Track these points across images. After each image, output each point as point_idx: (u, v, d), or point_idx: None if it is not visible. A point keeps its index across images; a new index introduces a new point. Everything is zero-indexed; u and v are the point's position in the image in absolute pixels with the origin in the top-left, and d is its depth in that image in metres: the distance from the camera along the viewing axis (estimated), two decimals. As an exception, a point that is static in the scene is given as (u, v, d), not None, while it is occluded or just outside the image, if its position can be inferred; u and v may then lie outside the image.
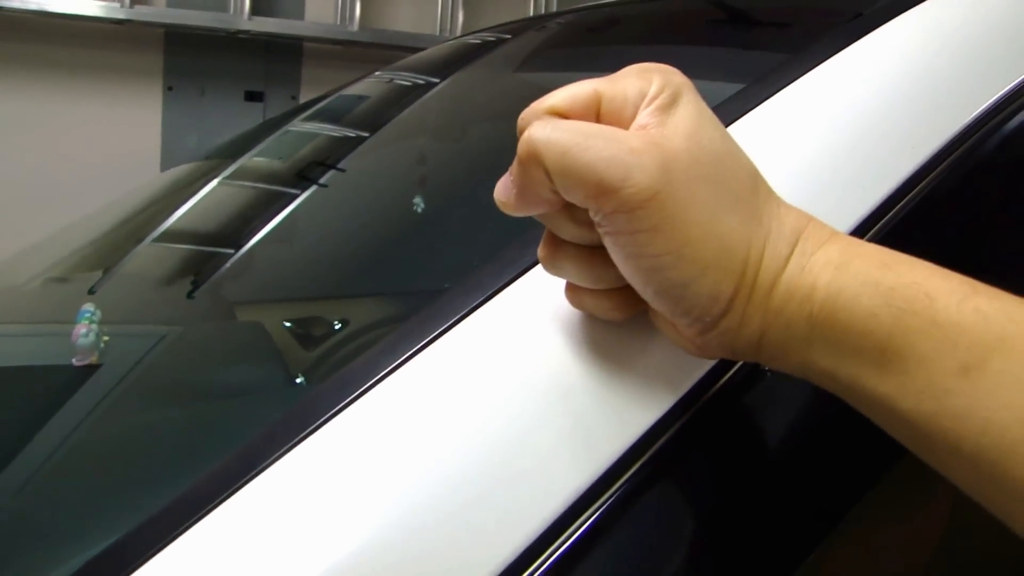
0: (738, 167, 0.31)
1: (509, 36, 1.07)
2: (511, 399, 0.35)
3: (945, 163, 0.44)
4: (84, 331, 0.66)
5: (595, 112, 0.32)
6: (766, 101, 0.46)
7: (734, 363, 0.37)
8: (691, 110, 0.31)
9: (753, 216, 0.31)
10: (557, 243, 0.34)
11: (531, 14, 2.81)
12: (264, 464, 0.34)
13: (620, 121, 0.32)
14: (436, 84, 0.99)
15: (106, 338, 0.66)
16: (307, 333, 0.66)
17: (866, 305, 0.29)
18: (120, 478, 0.52)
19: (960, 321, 0.28)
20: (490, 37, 1.09)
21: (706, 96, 0.33)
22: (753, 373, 0.38)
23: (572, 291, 0.36)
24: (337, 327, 0.64)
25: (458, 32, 2.72)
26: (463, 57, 1.07)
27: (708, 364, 0.37)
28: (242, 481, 0.33)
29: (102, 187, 2.02)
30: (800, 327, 0.30)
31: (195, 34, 2.45)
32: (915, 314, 0.28)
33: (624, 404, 0.35)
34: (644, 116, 0.31)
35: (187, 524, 0.33)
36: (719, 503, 0.37)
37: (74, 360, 0.64)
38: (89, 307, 0.71)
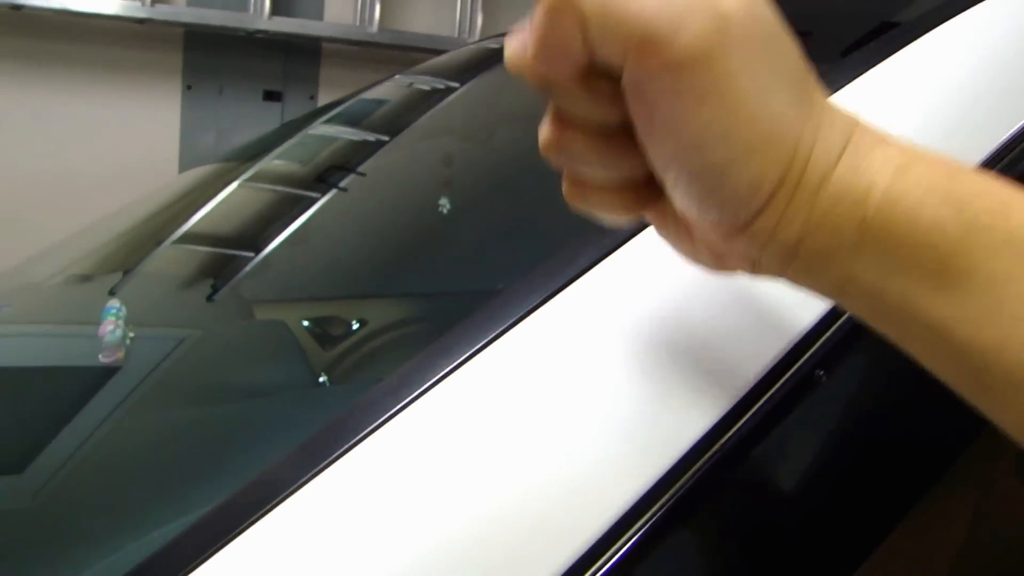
0: (792, 48, 0.28)
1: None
2: (567, 409, 0.35)
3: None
4: (111, 327, 0.67)
5: None
6: None
7: (778, 379, 0.37)
8: None
9: (806, 102, 0.27)
10: (565, 123, 0.29)
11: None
12: (318, 468, 0.34)
13: None
14: (456, 88, 0.99)
15: (132, 335, 0.66)
16: (330, 334, 0.66)
17: (931, 213, 0.26)
18: (150, 479, 0.52)
19: None
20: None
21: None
22: (802, 382, 0.37)
23: (574, 186, 0.31)
24: (359, 328, 0.65)
25: (476, 34, 2.73)
26: (483, 61, 1.07)
27: (761, 369, 0.36)
28: (296, 486, 0.34)
29: (121, 184, 2.04)
30: (849, 234, 0.27)
31: (215, 33, 2.46)
32: (987, 228, 0.25)
33: (675, 413, 0.35)
34: None
35: (237, 531, 0.33)
36: (770, 515, 0.37)
37: (101, 356, 0.64)
38: (115, 304, 0.72)
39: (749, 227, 0.28)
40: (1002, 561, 0.48)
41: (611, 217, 0.32)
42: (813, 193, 0.27)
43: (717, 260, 0.31)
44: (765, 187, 0.27)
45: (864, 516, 0.39)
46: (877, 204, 0.26)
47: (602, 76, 0.27)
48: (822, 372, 0.38)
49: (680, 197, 0.29)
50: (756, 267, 0.29)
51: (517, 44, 0.28)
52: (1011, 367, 0.25)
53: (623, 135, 0.28)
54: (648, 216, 0.32)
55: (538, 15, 0.27)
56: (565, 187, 0.32)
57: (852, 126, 0.28)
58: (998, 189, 0.26)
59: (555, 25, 0.26)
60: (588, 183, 0.31)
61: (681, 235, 0.31)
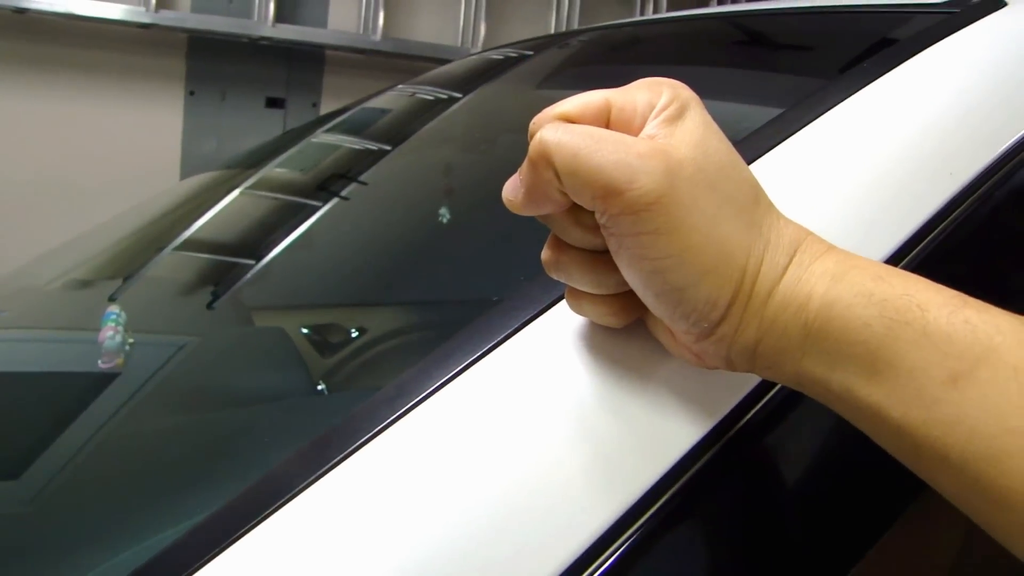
0: (741, 179, 0.32)
1: (531, 52, 1.07)
2: (554, 421, 0.35)
3: (982, 189, 0.45)
4: (111, 333, 0.67)
5: (605, 120, 0.33)
6: (801, 129, 0.46)
7: (772, 387, 0.38)
8: (697, 122, 0.32)
9: (753, 226, 0.32)
10: (561, 247, 0.35)
11: (552, 28, 2.82)
12: (314, 476, 0.34)
13: (629, 130, 0.33)
14: (458, 99, 0.99)
15: (131, 341, 0.66)
16: (329, 341, 0.66)
17: (859, 315, 0.30)
18: (148, 486, 0.52)
19: (950, 332, 0.29)
20: (512, 53, 1.10)
21: (728, 119, 0.33)
22: (787, 399, 0.38)
23: (573, 296, 0.36)
24: (358, 336, 0.65)
25: (480, 44, 2.73)
26: (485, 72, 1.08)
27: (752, 384, 0.37)
28: (293, 493, 0.34)
29: (123, 189, 2.04)
30: (795, 336, 0.31)
31: (218, 40, 2.47)
32: (906, 324, 0.29)
33: (661, 428, 0.36)
34: (652, 127, 0.32)
35: (235, 536, 0.33)
36: (754, 528, 0.38)
37: (100, 362, 0.64)
38: (115, 310, 0.72)
39: (713, 334, 0.32)
40: (1000, 564, 0.48)
41: (605, 322, 0.36)
42: (763, 303, 0.31)
43: (697, 358, 0.35)
44: (721, 301, 0.31)
45: (861, 515, 0.39)
46: (816, 309, 0.31)
47: (586, 211, 0.33)
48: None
49: (653, 309, 0.33)
50: (729, 364, 0.34)
51: (511, 187, 0.34)
52: (933, 443, 0.28)
53: (610, 258, 0.33)
54: (642, 318, 0.36)
55: (524, 166, 0.33)
56: (567, 296, 0.37)
57: (799, 241, 0.32)
58: (919, 288, 0.30)
59: (537, 175, 0.32)
60: (584, 295, 0.35)
61: (666, 337, 0.35)
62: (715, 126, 0.33)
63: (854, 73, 0.50)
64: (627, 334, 0.38)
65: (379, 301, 0.71)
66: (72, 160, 2.40)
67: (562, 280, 0.36)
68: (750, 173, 0.33)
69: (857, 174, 0.44)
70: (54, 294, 0.86)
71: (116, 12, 2.29)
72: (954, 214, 0.44)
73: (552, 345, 0.38)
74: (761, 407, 0.37)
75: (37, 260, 1.01)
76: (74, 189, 2.36)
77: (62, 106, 2.39)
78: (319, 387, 0.60)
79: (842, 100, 0.47)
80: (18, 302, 0.85)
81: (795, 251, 0.32)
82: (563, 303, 0.39)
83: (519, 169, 0.34)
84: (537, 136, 0.32)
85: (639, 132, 0.33)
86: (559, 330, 0.39)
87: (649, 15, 2.75)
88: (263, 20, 2.45)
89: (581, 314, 0.37)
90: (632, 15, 2.89)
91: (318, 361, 0.64)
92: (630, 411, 0.36)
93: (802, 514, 0.39)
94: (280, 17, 2.47)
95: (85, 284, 0.87)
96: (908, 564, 0.43)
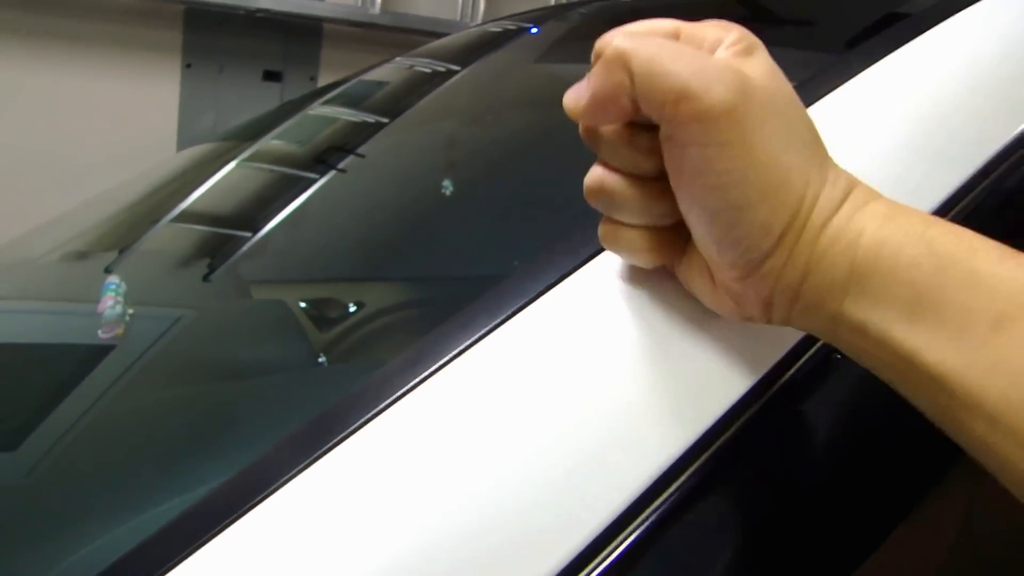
0: (805, 118, 0.33)
1: (531, 26, 1.06)
2: (576, 394, 0.35)
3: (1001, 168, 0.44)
4: (111, 303, 0.67)
5: None
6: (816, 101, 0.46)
7: (795, 361, 0.38)
8: (767, 58, 0.33)
9: (814, 161, 0.32)
10: (608, 171, 0.35)
11: (552, 2, 2.80)
12: (317, 454, 0.34)
13: None
14: (457, 72, 0.98)
15: (131, 311, 0.66)
16: (329, 315, 0.66)
17: (909, 253, 0.30)
18: (147, 458, 0.52)
19: (999, 274, 0.29)
20: (511, 26, 1.09)
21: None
22: (811, 373, 0.38)
23: (610, 228, 0.36)
24: (357, 309, 0.64)
25: (479, 18, 2.71)
26: (484, 45, 1.07)
27: (767, 362, 0.37)
28: (299, 468, 0.34)
29: (118, 162, 2.03)
30: (841, 273, 0.31)
31: (215, 12, 2.44)
32: (955, 265, 0.29)
33: (685, 399, 0.36)
34: (722, 55, 0.33)
35: (236, 515, 0.33)
36: (776, 507, 0.38)
37: (100, 332, 0.64)
38: (115, 280, 0.71)
39: (760, 268, 0.32)
40: (996, 553, 0.48)
41: (639, 258, 0.36)
42: (815, 236, 0.32)
43: (736, 303, 0.35)
44: (776, 226, 0.31)
45: (872, 507, 0.39)
46: (866, 246, 0.31)
47: (642, 132, 0.33)
48: (840, 355, 0.38)
49: (702, 237, 0.33)
50: (768, 309, 0.34)
51: (575, 93, 0.34)
52: (973, 388, 0.28)
53: (656, 186, 0.34)
54: (674, 265, 0.36)
55: (595, 70, 0.33)
56: (601, 229, 0.36)
57: (852, 185, 0.33)
58: (969, 234, 0.30)
59: (609, 77, 0.32)
60: (622, 226, 0.35)
61: (704, 281, 0.35)
62: (780, 70, 0.33)
63: (864, 48, 0.49)
64: (638, 310, 0.37)
65: (377, 275, 0.71)
66: (67, 133, 2.39)
67: (602, 208, 0.36)
68: (811, 118, 0.34)
69: (867, 157, 0.43)
70: (49, 266, 0.86)
71: (112, -17, 2.26)
72: (960, 205, 0.43)
73: (559, 322, 0.38)
74: (781, 386, 0.37)
75: (31, 233, 1.01)
76: (69, 162, 2.35)
77: (57, 78, 2.37)
78: (320, 359, 0.60)
79: (850, 78, 0.46)
80: (13, 274, 0.84)
81: (850, 191, 0.32)
82: (575, 276, 0.39)
83: (587, 75, 0.33)
84: (615, 41, 0.32)
85: None
86: (573, 303, 0.38)
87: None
88: (260, -8, 2.43)
89: (615, 248, 0.37)
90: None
91: (318, 334, 0.64)
92: (642, 390, 0.35)
93: (823, 491, 0.39)
94: (277, -11, 2.45)
95: (81, 256, 0.87)
96: (902, 561, 0.43)
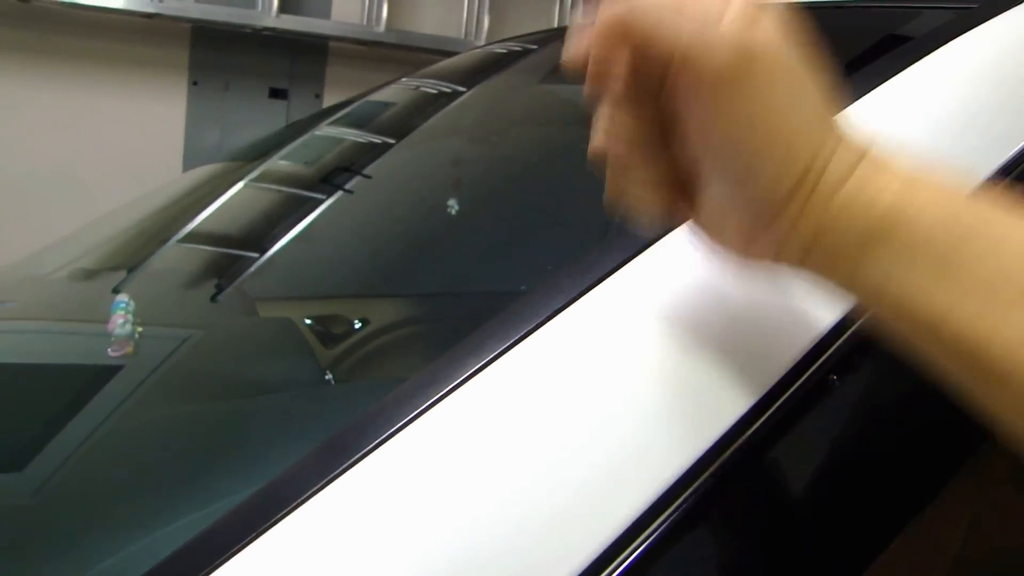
0: (814, 82, 0.32)
1: (535, 47, 1.07)
2: (595, 406, 0.36)
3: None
4: (121, 321, 0.67)
5: None
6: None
7: (804, 372, 0.38)
8: (777, 17, 0.31)
9: (824, 123, 0.31)
10: (610, 135, 0.34)
11: (556, 21, 2.81)
12: (342, 468, 0.34)
13: None
14: (462, 93, 0.99)
15: (140, 329, 0.67)
16: (335, 333, 0.66)
17: (935, 214, 0.29)
18: (157, 478, 0.52)
19: None
20: (516, 47, 1.09)
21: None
22: (816, 387, 0.38)
23: (616, 185, 0.35)
24: (364, 327, 0.65)
25: (483, 37, 2.73)
26: (489, 66, 1.07)
27: (779, 372, 0.37)
28: (321, 485, 0.34)
29: (125, 179, 2.04)
30: (857, 235, 0.30)
31: (222, 30, 2.46)
32: (981, 230, 0.29)
33: (689, 417, 0.36)
34: (729, 14, 0.31)
35: (260, 530, 0.33)
36: (777, 521, 0.38)
37: (110, 350, 0.64)
38: (124, 298, 0.72)
39: (771, 225, 0.31)
40: (999, 570, 0.48)
41: (648, 212, 0.35)
42: (828, 197, 0.31)
43: (746, 252, 0.34)
44: (789, 179, 0.30)
45: (870, 521, 0.40)
46: (885, 208, 0.30)
47: (644, 97, 0.32)
48: (835, 377, 0.39)
49: (714, 189, 0.33)
50: (779, 255, 0.33)
51: (578, 43, 0.32)
52: (997, 357, 0.28)
53: (658, 144, 0.33)
54: (683, 212, 0.36)
55: (595, 31, 0.32)
56: (608, 186, 0.35)
57: (868, 147, 0.31)
58: (992, 203, 0.30)
59: (607, 44, 0.31)
60: (629, 180, 0.35)
61: (716, 232, 0.35)
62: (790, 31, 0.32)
63: (864, 73, 0.49)
64: (648, 330, 0.38)
65: (384, 295, 0.71)
66: (74, 151, 2.40)
67: (607, 168, 0.35)
68: (820, 82, 0.32)
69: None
70: (58, 285, 0.86)
71: (119, 1, 2.29)
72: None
73: (579, 337, 0.38)
74: (779, 405, 0.37)
75: (40, 251, 1.01)
76: (76, 180, 2.36)
77: (64, 96, 2.39)
78: (327, 377, 0.61)
79: (849, 104, 0.47)
80: (23, 293, 0.85)
81: (866, 152, 0.31)
82: (592, 293, 0.39)
83: (589, 30, 0.32)
84: (611, 10, 0.31)
85: None
86: (590, 320, 0.39)
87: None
88: (267, 10, 2.44)
89: (623, 203, 0.36)
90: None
91: (326, 352, 0.64)
92: (649, 408, 0.36)
93: (815, 516, 0.39)
94: (284, 7, 2.47)
95: (89, 275, 0.87)
96: (912, 560, 0.43)
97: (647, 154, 0.34)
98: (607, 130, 0.34)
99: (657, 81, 0.31)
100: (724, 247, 0.35)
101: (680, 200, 0.35)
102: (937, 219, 0.29)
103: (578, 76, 0.33)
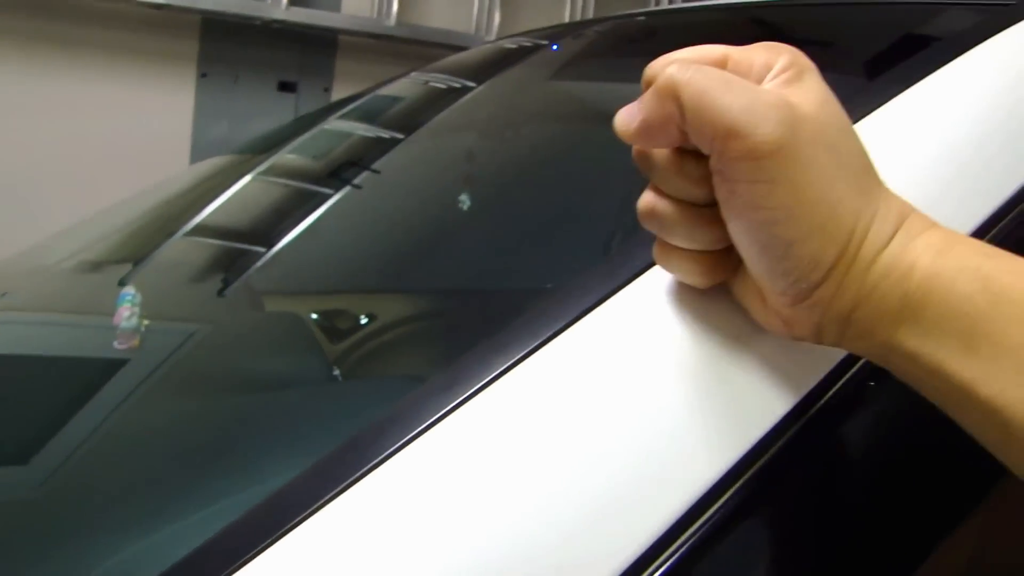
0: (856, 146, 0.33)
1: (546, 42, 1.06)
2: (623, 410, 0.35)
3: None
4: (127, 313, 0.67)
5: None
6: (887, 103, 0.45)
7: (842, 376, 0.38)
8: (818, 86, 0.32)
9: (864, 192, 0.32)
10: (660, 197, 0.35)
11: (567, 16, 2.80)
12: (369, 467, 0.33)
13: None
14: (472, 88, 0.99)
15: (147, 322, 0.66)
16: (342, 328, 0.66)
17: (964, 288, 0.30)
18: (163, 472, 0.52)
19: None
20: (527, 43, 1.09)
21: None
22: (855, 391, 0.38)
23: (663, 249, 0.36)
24: (371, 323, 0.64)
25: (494, 31, 2.72)
26: (500, 62, 1.07)
27: (818, 375, 0.37)
28: (343, 487, 0.33)
29: (133, 170, 2.04)
30: (893, 305, 0.31)
31: (231, 22, 2.46)
32: (1012, 302, 0.29)
33: (726, 420, 0.35)
34: (771, 85, 0.32)
35: (290, 526, 0.32)
36: (830, 513, 0.38)
37: (116, 343, 0.64)
38: (130, 291, 0.72)
39: (810, 296, 0.32)
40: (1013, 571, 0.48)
41: (692, 280, 0.36)
42: (865, 269, 0.32)
43: (786, 326, 0.34)
44: (826, 260, 0.31)
45: (912, 527, 0.39)
46: (918, 280, 0.31)
47: (692, 160, 0.33)
48: (873, 383, 0.38)
49: (753, 266, 0.33)
50: (818, 333, 0.34)
51: (626, 115, 0.34)
52: None
53: (708, 212, 0.34)
54: (728, 283, 0.37)
55: (646, 96, 0.33)
56: (655, 250, 0.37)
57: (905, 214, 0.32)
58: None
59: (660, 107, 0.32)
60: (674, 249, 0.36)
61: (756, 301, 0.35)
62: (832, 94, 0.33)
63: (890, 76, 0.48)
64: (680, 333, 0.37)
65: (393, 290, 0.71)
66: (82, 141, 2.40)
67: (654, 230, 0.36)
68: (863, 143, 0.33)
69: (943, 147, 0.43)
70: (62, 277, 0.86)
71: (129, -8, 2.28)
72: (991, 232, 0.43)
73: (609, 336, 0.37)
74: (818, 410, 0.37)
75: (47, 242, 1.01)
76: (83, 171, 2.36)
77: (72, 86, 2.39)
78: (335, 373, 0.60)
79: (876, 107, 0.46)
80: (26, 284, 0.85)
81: (902, 222, 0.32)
82: (622, 292, 0.38)
83: (639, 99, 0.34)
84: (667, 71, 0.32)
85: None
86: (616, 320, 0.38)
87: (665, 5, 2.73)
88: (276, 2, 2.44)
89: (669, 269, 0.37)
90: (648, 5, 2.87)
91: (333, 347, 0.64)
92: (683, 411, 0.35)
93: (852, 521, 0.39)
94: (294, 0, 2.47)
95: (94, 268, 0.87)
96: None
97: (694, 220, 0.34)
98: (656, 191, 0.35)
99: (705, 148, 0.32)
100: (766, 322, 0.36)
101: (724, 271, 0.36)
102: (969, 288, 0.30)
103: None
